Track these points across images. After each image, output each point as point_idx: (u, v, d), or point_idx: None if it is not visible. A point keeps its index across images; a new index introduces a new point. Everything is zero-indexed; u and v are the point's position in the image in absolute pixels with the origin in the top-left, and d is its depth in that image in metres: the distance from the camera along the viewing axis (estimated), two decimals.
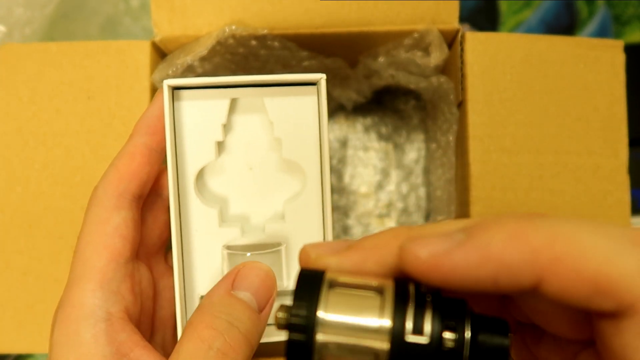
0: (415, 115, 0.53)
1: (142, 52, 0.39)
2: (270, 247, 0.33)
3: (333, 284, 0.20)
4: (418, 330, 0.18)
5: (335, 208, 0.53)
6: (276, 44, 0.40)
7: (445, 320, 0.18)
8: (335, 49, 0.42)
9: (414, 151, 0.53)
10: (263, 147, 0.33)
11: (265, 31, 0.39)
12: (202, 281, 0.32)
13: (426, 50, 0.40)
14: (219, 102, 0.32)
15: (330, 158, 0.53)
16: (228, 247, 0.32)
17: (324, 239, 0.32)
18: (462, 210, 0.40)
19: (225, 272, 0.31)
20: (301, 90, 0.32)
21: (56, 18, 0.58)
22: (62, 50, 0.39)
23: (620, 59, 0.40)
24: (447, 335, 0.18)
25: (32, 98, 0.39)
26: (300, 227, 0.32)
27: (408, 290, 0.19)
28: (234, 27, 0.38)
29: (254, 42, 0.40)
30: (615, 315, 0.17)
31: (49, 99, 0.39)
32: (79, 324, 0.27)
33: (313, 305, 0.19)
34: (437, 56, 0.39)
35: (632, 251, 0.16)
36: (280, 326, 0.20)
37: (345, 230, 0.53)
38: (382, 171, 0.53)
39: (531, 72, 0.39)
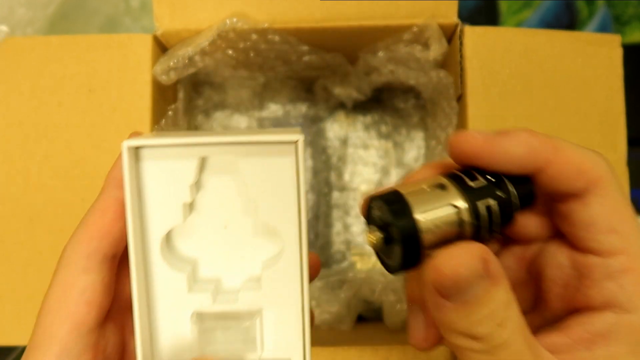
0: (415, 113, 0.53)
1: (144, 46, 0.40)
2: (244, 317, 0.30)
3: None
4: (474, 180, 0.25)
5: (335, 206, 0.53)
6: (277, 38, 0.40)
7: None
8: (335, 43, 0.42)
9: (414, 149, 0.53)
10: (237, 209, 0.31)
11: (266, 25, 0.39)
12: (170, 349, 0.30)
13: (425, 45, 0.41)
14: (186, 161, 0.29)
15: (331, 156, 0.53)
16: (198, 315, 0.30)
17: (302, 306, 0.29)
18: None
19: (196, 341, 0.30)
20: (278, 149, 0.29)
21: (56, 18, 0.59)
22: (63, 44, 0.40)
23: (617, 53, 0.40)
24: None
25: (33, 92, 0.40)
26: (276, 294, 0.30)
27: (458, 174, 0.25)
28: (235, 20, 0.38)
29: (254, 36, 0.40)
30: (583, 193, 0.25)
31: (50, 93, 0.39)
32: None
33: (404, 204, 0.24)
34: (436, 49, 0.39)
35: (598, 155, 0.25)
36: (373, 239, 0.24)
37: (346, 227, 0.53)
38: (382, 169, 0.53)
39: (530, 66, 0.40)
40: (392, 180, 0.53)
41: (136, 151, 0.28)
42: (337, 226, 0.53)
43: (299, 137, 0.28)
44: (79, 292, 0.27)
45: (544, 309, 0.28)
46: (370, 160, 0.54)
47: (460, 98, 0.41)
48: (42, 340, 0.27)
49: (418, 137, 0.53)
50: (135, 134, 0.29)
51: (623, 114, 0.40)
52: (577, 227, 0.25)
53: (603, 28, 0.60)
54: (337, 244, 0.53)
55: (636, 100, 0.45)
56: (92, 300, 0.27)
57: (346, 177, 0.53)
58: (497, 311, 0.23)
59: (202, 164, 0.30)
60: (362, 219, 0.53)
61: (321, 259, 0.52)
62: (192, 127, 0.50)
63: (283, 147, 0.29)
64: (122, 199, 0.28)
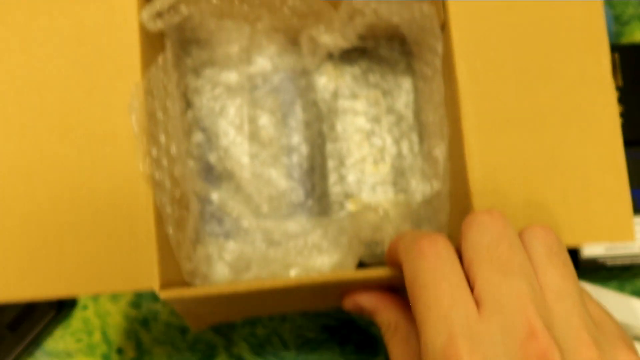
0: (401, 60, 0.54)
1: None
2: None
3: None
4: None
5: (329, 156, 0.53)
6: None
7: None
8: None
9: (403, 95, 0.54)
10: None
11: None
12: None
13: None
14: None
15: (321, 108, 0.54)
16: None
17: None
18: (454, 126, 0.41)
19: None
20: None
21: None
22: None
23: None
24: None
25: (22, 47, 0.40)
26: None
27: None
28: None
29: None
30: None
31: (39, 46, 0.40)
32: None
33: None
34: None
35: None
36: None
37: (342, 178, 0.53)
38: (374, 118, 0.54)
39: None
40: (384, 127, 0.54)
41: None
42: (333, 177, 0.53)
43: None
44: None
45: None
46: (361, 109, 0.54)
47: (444, 27, 0.41)
48: None
49: (406, 82, 0.54)
50: None
51: (606, 41, 0.40)
52: None
53: None
54: (334, 194, 0.53)
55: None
56: None
57: (338, 127, 0.54)
58: None
59: None
60: (358, 167, 0.54)
61: (319, 210, 0.53)
62: (182, 85, 0.51)
63: None
64: None
